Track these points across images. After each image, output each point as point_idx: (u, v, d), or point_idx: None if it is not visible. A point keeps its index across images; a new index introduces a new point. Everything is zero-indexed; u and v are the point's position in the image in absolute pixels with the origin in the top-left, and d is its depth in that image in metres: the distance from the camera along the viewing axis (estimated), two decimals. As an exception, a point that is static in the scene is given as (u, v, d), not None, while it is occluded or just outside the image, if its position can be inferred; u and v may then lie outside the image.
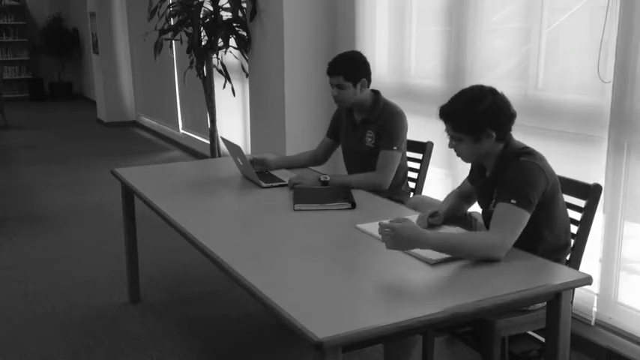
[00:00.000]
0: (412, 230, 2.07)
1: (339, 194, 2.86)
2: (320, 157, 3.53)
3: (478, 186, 2.49)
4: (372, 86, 3.23)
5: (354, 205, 2.73)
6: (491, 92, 2.28)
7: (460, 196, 2.61)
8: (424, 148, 3.34)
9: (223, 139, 3.37)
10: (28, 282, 3.99)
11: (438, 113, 2.34)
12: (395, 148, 3.13)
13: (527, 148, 2.31)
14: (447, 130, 2.34)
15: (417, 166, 3.37)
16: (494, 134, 2.26)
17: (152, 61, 6.01)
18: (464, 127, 2.27)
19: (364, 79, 3.13)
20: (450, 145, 2.36)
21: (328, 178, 3.07)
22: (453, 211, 2.57)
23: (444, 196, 2.71)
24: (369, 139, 3.20)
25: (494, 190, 2.28)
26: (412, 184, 3.37)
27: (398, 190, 3.24)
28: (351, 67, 3.14)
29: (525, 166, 2.21)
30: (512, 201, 2.14)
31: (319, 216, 2.64)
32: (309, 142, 4.89)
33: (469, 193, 2.59)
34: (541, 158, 2.28)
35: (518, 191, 2.16)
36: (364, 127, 3.22)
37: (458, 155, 2.39)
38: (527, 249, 2.21)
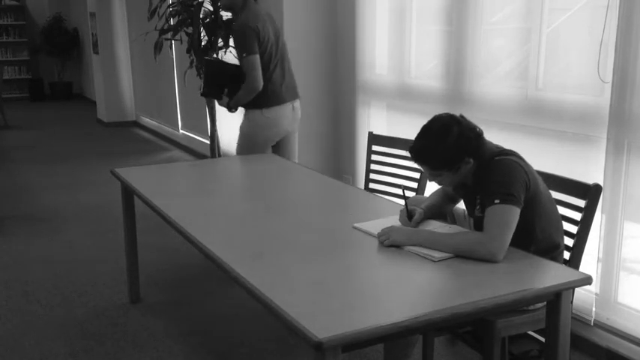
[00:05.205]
0: (406, 227, 2.26)
1: None
2: None
3: (463, 195, 2.48)
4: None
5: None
6: (454, 121, 2.26)
7: (444, 195, 2.61)
8: None
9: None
10: (28, 282, 3.99)
11: (410, 156, 2.31)
12: (244, 55, 3.34)
13: (503, 149, 2.31)
14: (424, 169, 2.34)
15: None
16: (471, 160, 2.26)
17: (152, 61, 6.01)
18: (441, 165, 2.26)
19: None
20: (431, 180, 2.38)
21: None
22: (435, 209, 2.55)
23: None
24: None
25: (477, 197, 2.28)
26: (414, 184, 3.37)
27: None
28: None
29: (501, 164, 2.21)
30: (496, 201, 2.13)
31: (319, 216, 2.64)
32: (309, 141, 4.91)
33: (453, 194, 2.58)
34: (517, 156, 2.28)
35: (499, 189, 2.15)
36: None
37: (440, 185, 2.42)
38: (519, 249, 2.20)
